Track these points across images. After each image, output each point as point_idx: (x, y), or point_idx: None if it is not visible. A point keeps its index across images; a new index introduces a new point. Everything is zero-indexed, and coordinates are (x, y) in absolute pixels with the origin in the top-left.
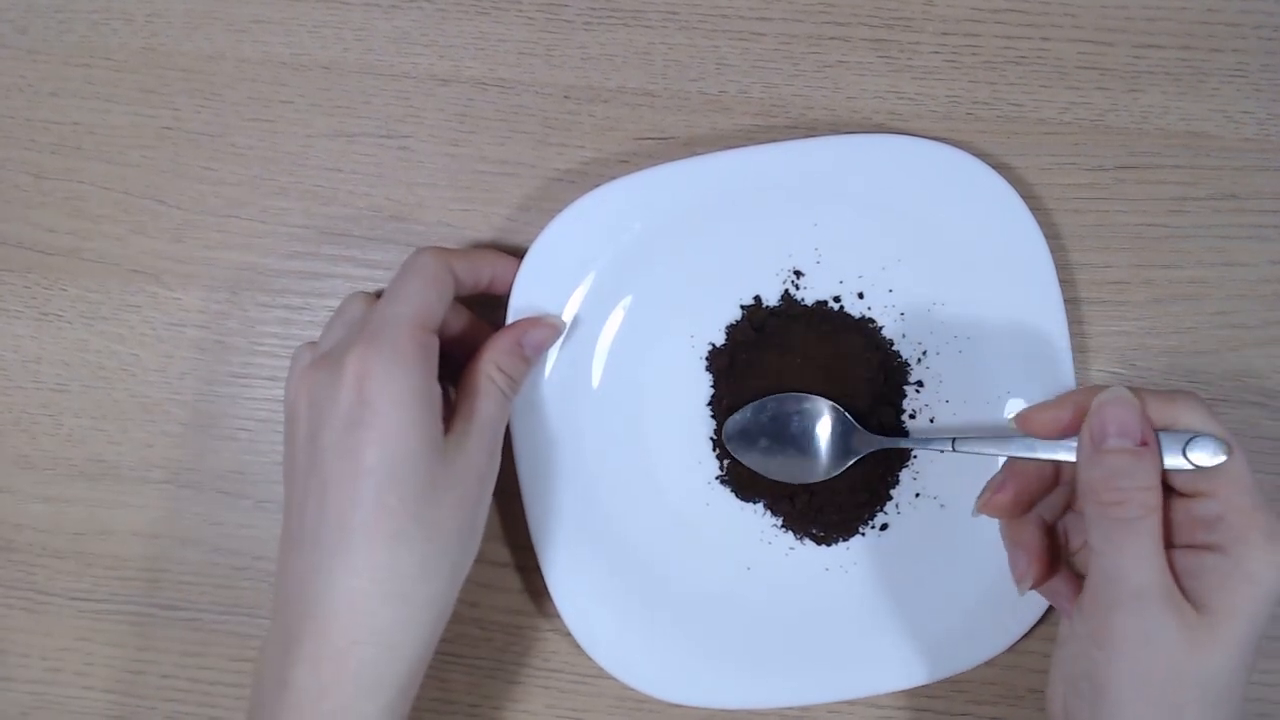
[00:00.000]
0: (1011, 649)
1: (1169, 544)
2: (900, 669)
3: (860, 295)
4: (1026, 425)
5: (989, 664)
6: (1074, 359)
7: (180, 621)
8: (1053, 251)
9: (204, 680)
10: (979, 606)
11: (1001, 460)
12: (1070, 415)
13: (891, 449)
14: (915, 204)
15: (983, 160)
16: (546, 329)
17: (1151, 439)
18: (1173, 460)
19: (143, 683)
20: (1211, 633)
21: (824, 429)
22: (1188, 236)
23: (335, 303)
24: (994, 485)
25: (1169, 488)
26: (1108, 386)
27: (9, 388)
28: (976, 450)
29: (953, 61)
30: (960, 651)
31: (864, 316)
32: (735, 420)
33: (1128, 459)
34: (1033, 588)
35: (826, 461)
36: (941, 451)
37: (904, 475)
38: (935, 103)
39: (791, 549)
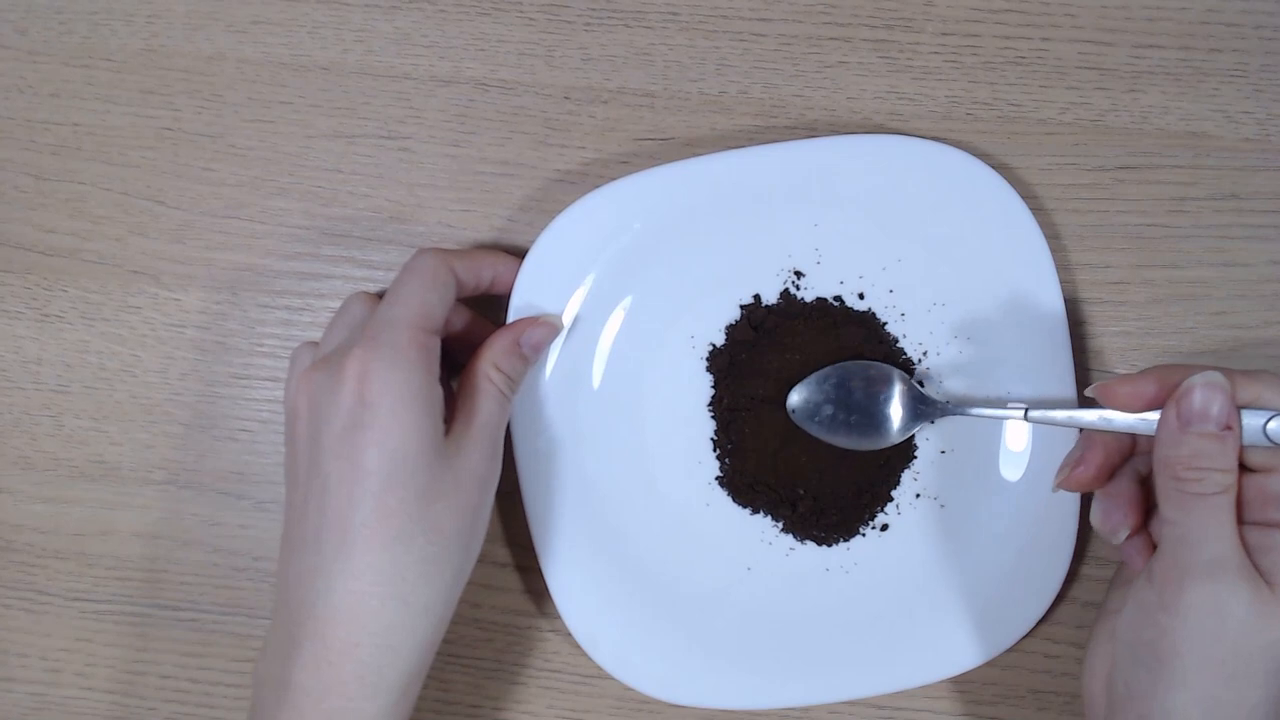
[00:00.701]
0: (1012, 649)
1: (1241, 520)
2: (900, 669)
3: (860, 296)
4: (1108, 397)
5: (989, 664)
6: (1074, 359)
7: (180, 622)
8: (1053, 251)
9: (204, 680)
10: (979, 606)
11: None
12: (1155, 390)
13: (893, 449)
14: (915, 204)
15: (983, 160)
16: (545, 328)
17: (1236, 424)
18: (1252, 437)
19: (143, 683)
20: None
21: (892, 397)
22: (1188, 236)
23: (336, 304)
24: (1072, 460)
25: (1243, 464)
26: (1200, 366)
27: (10, 389)
28: (1050, 420)
29: (953, 62)
30: (961, 651)
31: (865, 310)
32: (799, 391)
33: (1211, 442)
34: (1129, 538)
35: (896, 429)
36: (1015, 420)
37: (904, 475)
38: (935, 103)
39: (792, 549)
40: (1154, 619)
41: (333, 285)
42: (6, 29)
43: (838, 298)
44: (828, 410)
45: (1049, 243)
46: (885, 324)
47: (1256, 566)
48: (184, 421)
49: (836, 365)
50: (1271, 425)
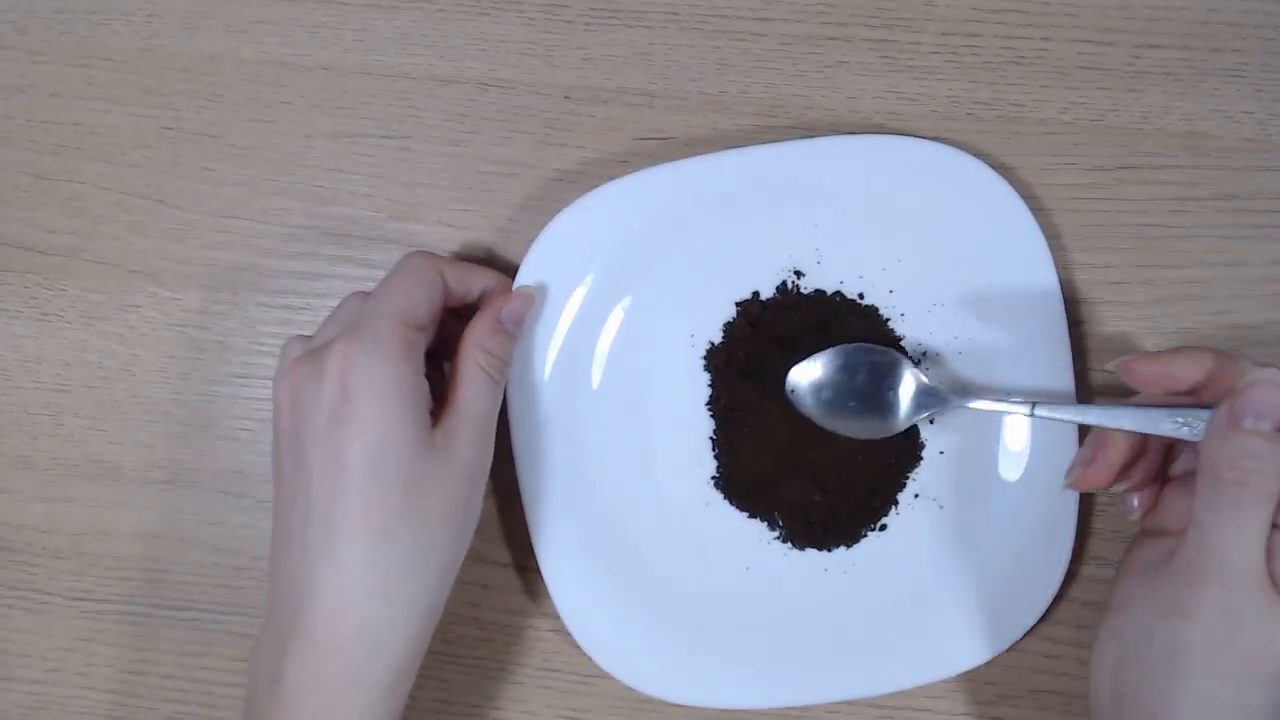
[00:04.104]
0: (1012, 649)
1: None
2: (900, 669)
3: (860, 296)
4: (1130, 374)
5: (989, 664)
6: (1074, 359)
7: (180, 621)
8: (1053, 251)
9: (204, 680)
10: (979, 606)
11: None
12: (1198, 374)
13: (898, 451)
14: (915, 204)
15: (983, 160)
16: (521, 299)
17: None
18: None
19: (143, 683)
20: None
21: (898, 384)
22: (1188, 236)
23: (335, 303)
24: (1083, 459)
25: None
26: (1230, 354)
27: (9, 388)
28: (1056, 416)
29: (953, 62)
30: (961, 651)
31: (867, 305)
32: (802, 369)
33: (1262, 443)
34: (1143, 513)
35: (901, 417)
36: (1021, 416)
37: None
38: (935, 103)
39: (791, 550)
40: (1168, 620)
41: (332, 285)
42: (6, 29)
43: (837, 293)
44: (828, 394)
45: (1049, 243)
46: (888, 320)
47: (1269, 572)
48: (184, 421)
49: (841, 347)
50: None
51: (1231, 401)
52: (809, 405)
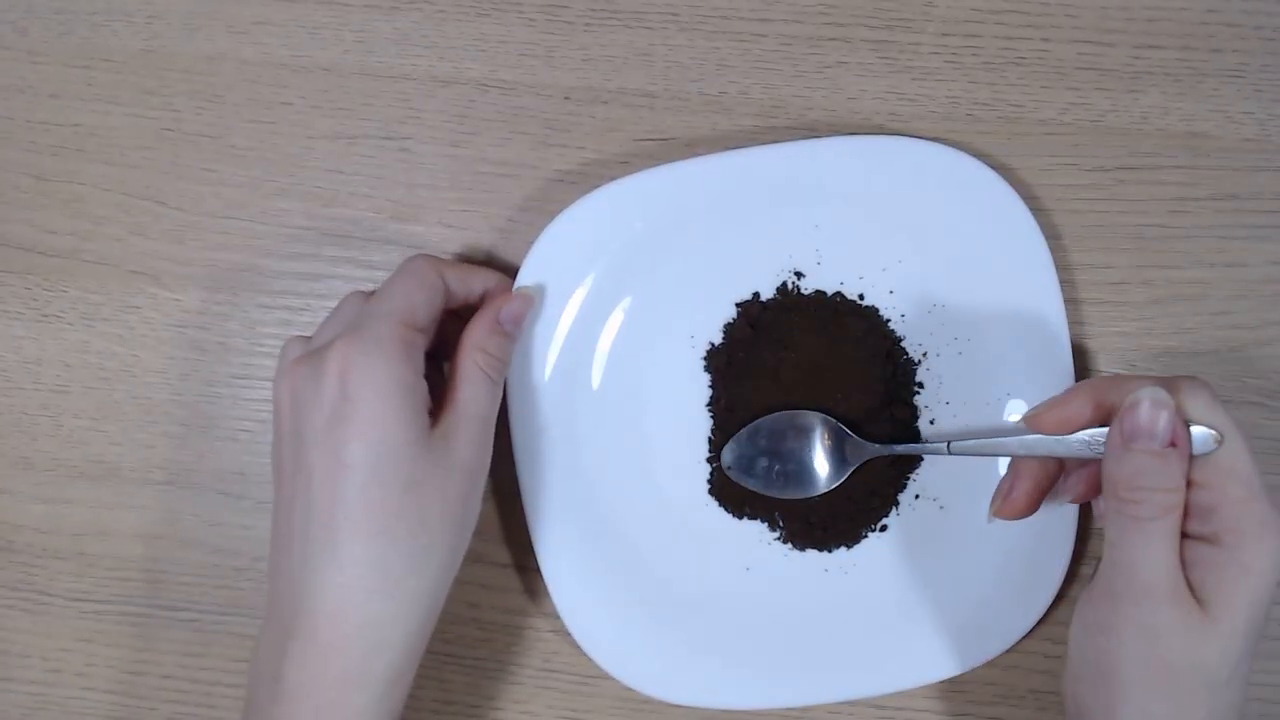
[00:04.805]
0: (1012, 649)
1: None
2: (900, 669)
3: (860, 296)
4: (1037, 425)
5: (989, 664)
6: (1074, 359)
7: (180, 622)
8: (1053, 251)
9: (204, 680)
10: (979, 607)
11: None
12: (1089, 412)
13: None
14: (916, 205)
15: (983, 160)
16: (520, 300)
17: (1182, 440)
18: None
19: (143, 683)
20: (1213, 626)
21: (818, 443)
22: (1188, 236)
23: (335, 304)
24: (1003, 490)
25: None
26: (1134, 378)
27: (9, 389)
28: (973, 452)
29: (953, 62)
30: (961, 652)
31: (865, 304)
32: (730, 449)
33: (1154, 460)
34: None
35: (825, 476)
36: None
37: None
38: (935, 103)
39: (791, 550)
40: (1094, 639)
41: (333, 285)
42: (6, 29)
43: (837, 293)
44: (762, 463)
45: (1049, 243)
46: (888, 320)
47: (1189, 582)
48: (184, 421)
49: (765, 417)
50: (1195, 435)
51: (1119, 422)
52: (746, 478)
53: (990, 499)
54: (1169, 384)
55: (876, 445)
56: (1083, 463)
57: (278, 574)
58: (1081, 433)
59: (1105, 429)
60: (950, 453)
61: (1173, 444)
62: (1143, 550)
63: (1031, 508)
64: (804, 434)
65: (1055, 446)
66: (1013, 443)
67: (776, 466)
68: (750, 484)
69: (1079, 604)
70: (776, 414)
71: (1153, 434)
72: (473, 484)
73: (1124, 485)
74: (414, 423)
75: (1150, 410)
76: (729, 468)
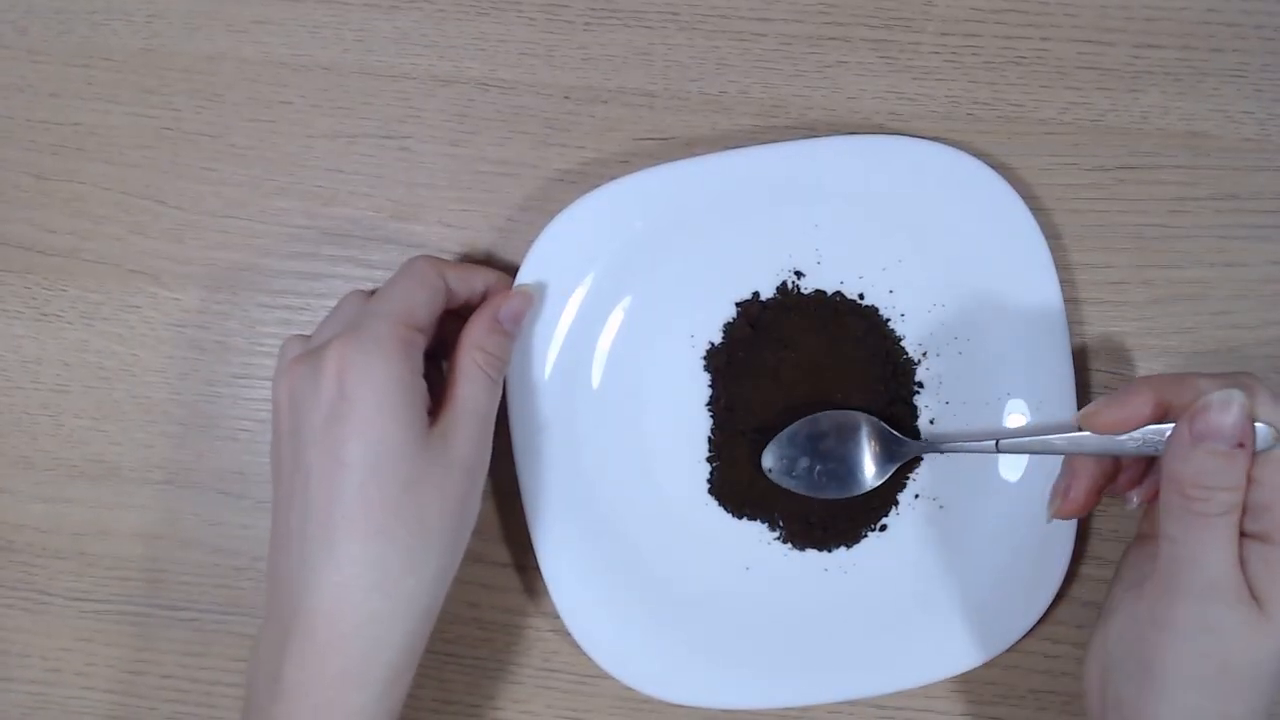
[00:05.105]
0: (1012, 649)
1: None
2: (900, 669)
3: (860, 296)
4: (1094, 426)
5: (989, 664)
6: (1074, 359)
7: (180, 622)
8: (1053, 251)
9: (204, 680)
10: (979, 607)
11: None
12: (1149, 411)
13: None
14: (915, 204)
15: (983, 160)
16: (520, 298)
17: (1249, 441)
18: None
19: (143, 683)
20: (1267, 624)
21: (864, 442)
22: (1188, 236)
23: (335, 303)
24: (1060, 489)
25: None
26: (1191, 374)
27: (9, 388)
28: (1022, 450)
29: (953, 62)
30: (961, 651)
31: (865, 304)
32: (771, 451)
33: (1221, 460)
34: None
35: (871, 475)
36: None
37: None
38: (935, 103)
39: (791, 550)
40: (1144, 633)
41: (333, 285)
42: (6, 29)
43: (837, 293)
44: (804, 464)
45: (1049, 243)
46: (888, 320)
47: (1245, 578)
48: (183, 421)
49: (805, 419)
50: (1260, 433)
51: (1189, 422)
52: (788, 479)
53: (1049, 499)
54: (1234, 383)
55: (921, 443)
56: (1141, 460)
57: (276, 573)
58: (1135, 432)
59: (1157, 426)
60: (999, 450)
61: (1240, 445)
62: (1208, 545)
63: (1090, 505)
64: (848, 433)
65: (1106, 445)
66: (1061, 441)
67: (819, 467)
68: (791, 485)
69: (1119, 598)
70: (818, 414)
71: (1224, 435)
72: (472, 482)
73: (1190, 483)
74: (412, 421)
75: (1222, 412)
76: (769, 470)
